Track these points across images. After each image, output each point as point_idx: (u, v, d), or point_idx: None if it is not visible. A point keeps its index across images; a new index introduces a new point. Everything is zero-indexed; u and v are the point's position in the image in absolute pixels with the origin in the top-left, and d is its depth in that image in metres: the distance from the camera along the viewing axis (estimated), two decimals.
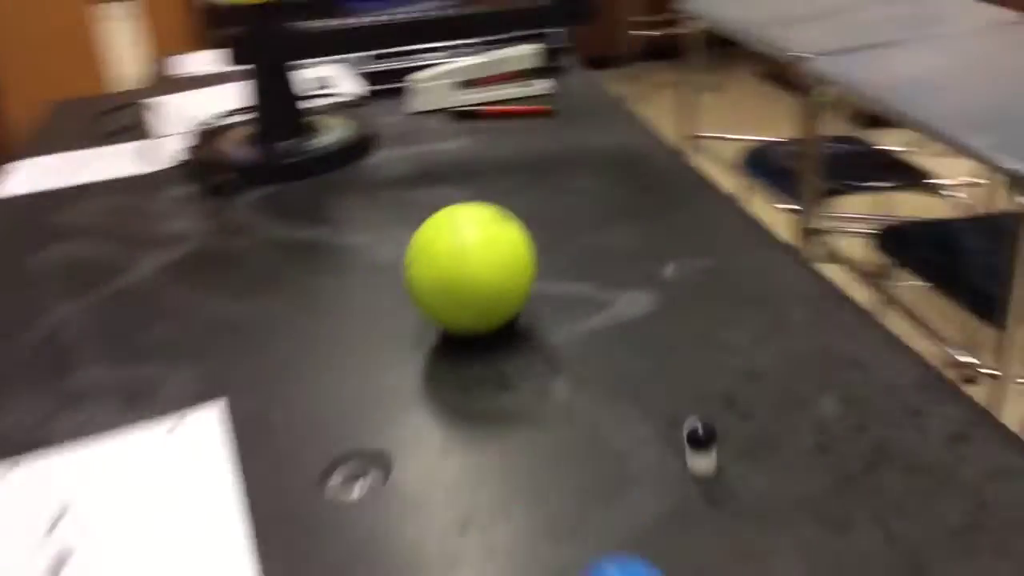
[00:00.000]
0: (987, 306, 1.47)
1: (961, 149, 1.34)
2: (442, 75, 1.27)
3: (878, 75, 1.66)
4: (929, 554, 0.49)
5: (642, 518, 0.53)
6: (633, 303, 0.75)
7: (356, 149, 1.15)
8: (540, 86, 1.30)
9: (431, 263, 0.68)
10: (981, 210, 2.21)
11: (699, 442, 0.56)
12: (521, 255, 0.70)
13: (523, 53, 1.28)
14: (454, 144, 1.15)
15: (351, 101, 1.34)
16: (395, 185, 1.05)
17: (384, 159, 1.13)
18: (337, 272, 0.86)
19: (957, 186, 2.20)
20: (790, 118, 3.88)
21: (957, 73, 1.67)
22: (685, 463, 0.57)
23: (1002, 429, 0.57)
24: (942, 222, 1.89)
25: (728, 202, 0.92)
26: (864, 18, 2.05)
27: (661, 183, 0.98)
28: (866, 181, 2.17)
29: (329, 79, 1.43)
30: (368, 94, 1.36)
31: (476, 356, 0.70)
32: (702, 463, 0.56)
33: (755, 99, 4.10)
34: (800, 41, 1.88)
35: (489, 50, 1.31)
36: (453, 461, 0.60)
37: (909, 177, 2.20)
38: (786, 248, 0.81)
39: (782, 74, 4.11)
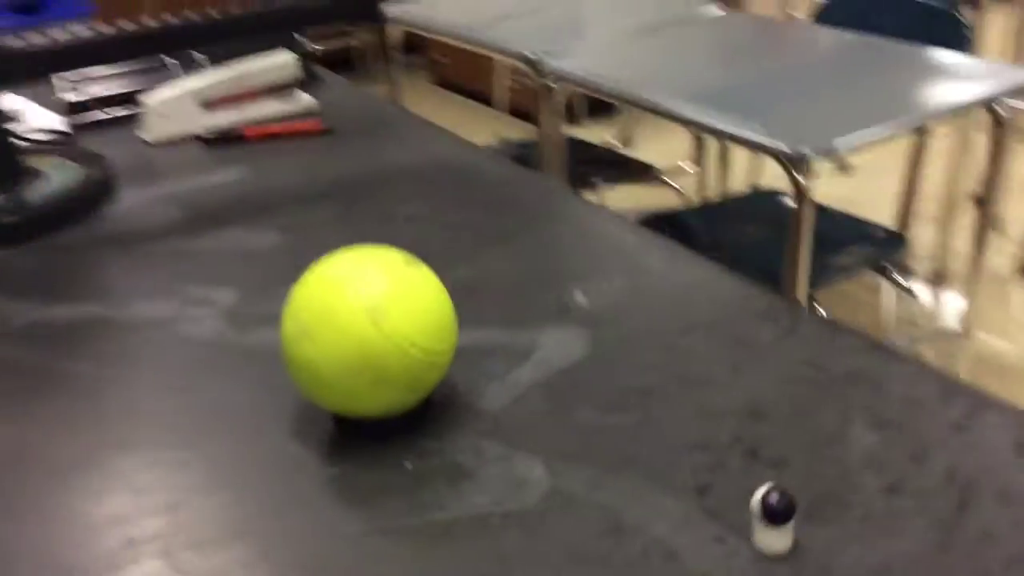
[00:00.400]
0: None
1: (733, 138, 1.34)
2: (184, 95, 1.04)
3: (609, 69, 1.64)
4: None
5: None
6: (561, 344, 0.61)
7: (94, 195, 0.89)
8: (303, 101, 1.11)
9: (336, 332, 0.49)
10: (696, 196, 2.31)
11: (778, 516, 0.43)
12: (445, 302, 0.53)
13: (278, 64, 1.08)
14: (223, 176, 0.94)
15: (57, 136, 1.06)
16: (167, 235, 0.82)
17: (135, 204, 0.89)
18: (136, 361, 0.63)
19: (674, 174, 2.28)
20: (482, 121, 3.89)
21: (687, 66, 1.70)
22: (751, 541, 0.45)
23: None
24: (688, 210, 1.93)
25: (593, 207, 0.81)
26: (558, 16, 2.04)
27: (506, 195, 0.84)
28: (593, 176, 2.17)
29: (14, 112, 1.13)
30: (71, 126, 1.09)
31: (398, 444, 0.53)
32: (779, 540, 0.44)
33: (440, 106, 4.07)
34: (520, 41, 1.83)
35: (229, 63, 1.10)
36: None
37: (628, 168, 2.24)
38: (692, 255, 0.71)
39: (458, 79, 4.12)
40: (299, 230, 0.81)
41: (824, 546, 0.44)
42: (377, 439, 0.53)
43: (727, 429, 0.52)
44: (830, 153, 1.28)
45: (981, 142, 2.43)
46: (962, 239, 2.42)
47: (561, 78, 1.71)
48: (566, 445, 0.52)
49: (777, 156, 1.29)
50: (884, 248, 1.70)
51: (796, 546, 0.44)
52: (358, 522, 0.48)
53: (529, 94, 3.46)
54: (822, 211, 1.84)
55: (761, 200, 1.91)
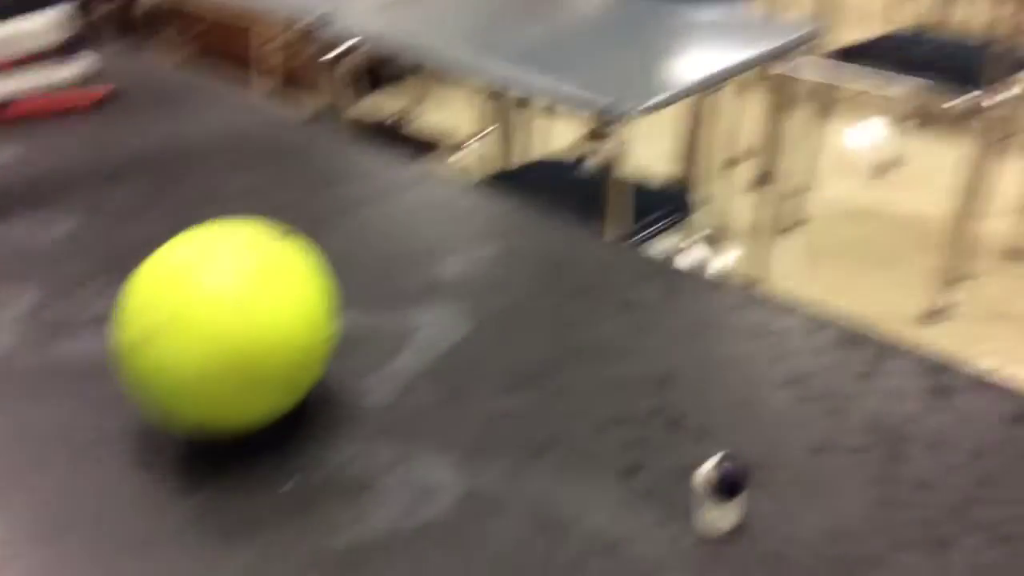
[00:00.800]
0: None
1: (550, 97, 1.30)
2: None
3: (394, 32, 1.57)
4: None
5: None
6: (439, 323, 0.55)
7: None
8: (76, 68, 0.96)
9: (194, 332, 0.41)
10: (489, 166, 2.28)
11: (734, 488, 0.40)
12: (323, 282, 0.46)
13: (42, 26, 0.93)
14: None
15: None
16: None
17: None
18: None
19: (463, 145, 2.24)
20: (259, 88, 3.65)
21: (464, 24, 1.65)
22: (692, 522, 0.41)
23: (969, 369, 0.50)
24: (484, 180, 1.89)
25: (437, 176, 0.75)
26: None
27: (338, 167, 0.76)
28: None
29: None
30: None
31: (272, 460, 0.45)
32: (725, 517, 0.40)
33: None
34: (289, 6, 1.72)
35: None
36: None
37: (416, 142, 2.18)
38: (552, 219, 0.67)
39: (210, 54, 3.86)
40: (101, 216, 0.69)
41: (769, 517, 0.41)
42: (244, 457, 0.45)
43: (642, 400, 0.48)
44: (647, 111, 1.28)
45: (743, 101, 2.56)
46: (735, 195, 2.55)
47: (351, 43, 1.62)
48: (470, 437, 0.46)
49: (593, 115, 1.28)
50: (681, 206, 1.74)
51: (740, 521, 0.41)
52: (237, 558, 0.40)
53: (292, 68, 3.29)
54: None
55: (559, 167, 1.91)
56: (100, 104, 0.90)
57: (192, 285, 0.41)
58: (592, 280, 0.59)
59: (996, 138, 2.00)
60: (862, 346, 0.52)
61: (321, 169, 0.76)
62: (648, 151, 2.26)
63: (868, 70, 2.23)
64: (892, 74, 2.12)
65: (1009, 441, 0.45)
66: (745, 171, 2.71)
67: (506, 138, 2.36)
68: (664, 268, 0.60)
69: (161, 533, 0.41)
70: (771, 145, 2.75)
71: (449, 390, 0.49)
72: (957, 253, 2.18)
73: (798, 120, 2.79)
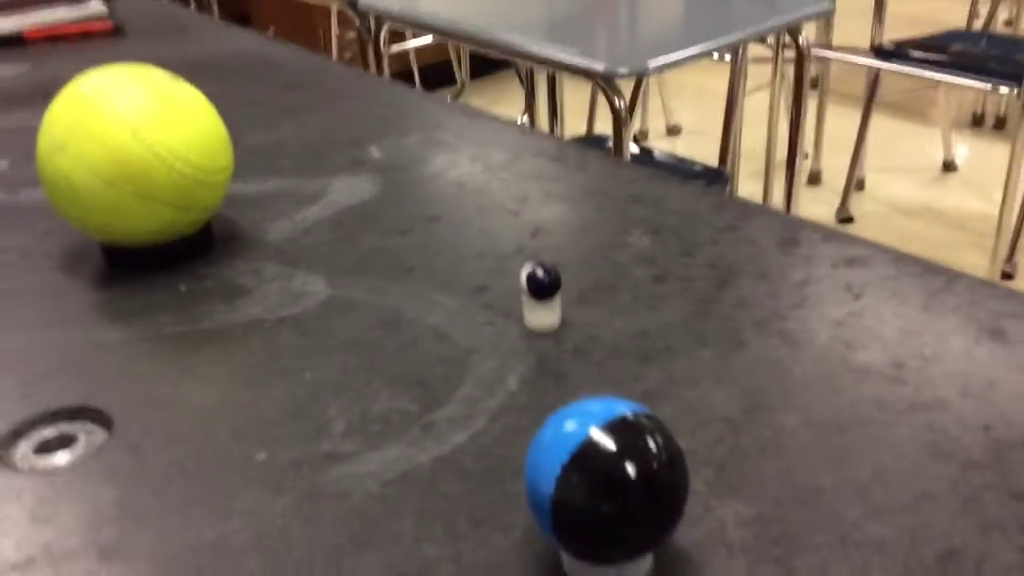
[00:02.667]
0: None
1: (550, 63, 1.35)
2: None
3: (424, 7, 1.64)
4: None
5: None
6: (352, 187, 0.60)
7: None
8: (92, 8, 1.05)
9: (91, 142, 0.47)
10: None
11: (544, 290, 0.44)
12: (215, 120, 0.51)
13: None
14: (7, 71, 0.88)
15: None
16: None
17: None
18: None
19: None
20: None
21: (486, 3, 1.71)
22: (522, 324, 0.45)
23: (823, 226, 0.53)
24: None
25: (398, 84, 0.80)
26: None
27: (306, 77, 0.82)
28: None
29: None
30: None
31: (173, 270, 0.51)
32: (547, 317, 0.45)
33: None
34: None
35: None
36: (208, 390, 0.41)
37: None
38: (487, 116, 0.72)
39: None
40: None
41: (589, 321, 0.45)
42: (150, 267, 0.51)
43: (510, 242, 0.53)
44: (644, 72, 1.32)
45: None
46: (779, 190, 2.54)
47: (385, 17, 1.69)
48: (347, 263, 0.51)
49: (594, 77, 1.32)
50: (712, 185, 1.77)
51: (563, 323, 0.45)
52: (121, 333, 0.46)
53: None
54: (647, 153, 1.90)
55: (590, 145, 1.95)
56: (107, 34, 0.98)
57: (93, 107, 0.47)
58: (502, 159, 0.63)
59: None
60: (732, 207, 0.55)
61: (292, 78, 0.82)
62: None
63: (915, 68, 2.22)
64: (939, 72, 2.11)
65: (832, 276, 0.48)
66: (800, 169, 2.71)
67: (552, 118, 2.40)
68: (573, 150, 0.64)
69: (59, 319, 0.47)
70: (819, 142, 2.73)
71: (342, 232, 0.55)
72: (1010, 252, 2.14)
73: (846, 118, 2.77)
